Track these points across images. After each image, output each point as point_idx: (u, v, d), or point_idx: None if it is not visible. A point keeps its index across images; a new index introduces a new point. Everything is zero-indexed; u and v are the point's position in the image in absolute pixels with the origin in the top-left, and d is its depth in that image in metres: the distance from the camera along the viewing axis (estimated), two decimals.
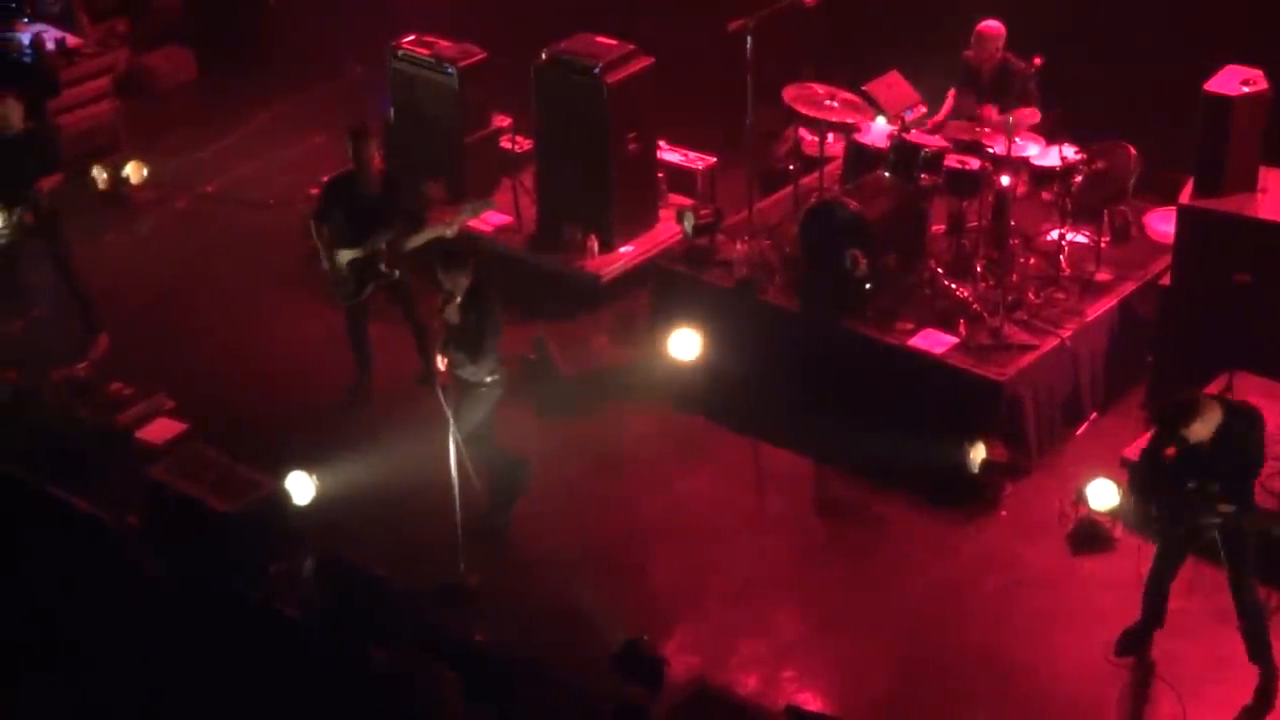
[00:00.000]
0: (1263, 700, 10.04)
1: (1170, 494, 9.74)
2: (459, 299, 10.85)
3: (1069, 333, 12.21)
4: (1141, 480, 10.01)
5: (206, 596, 10.73)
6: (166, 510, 11.21)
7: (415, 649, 10.15)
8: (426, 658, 10.02)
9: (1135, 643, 10.44)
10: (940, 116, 13.33)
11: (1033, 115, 12.97)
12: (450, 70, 14.42)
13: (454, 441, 10.81)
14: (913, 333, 12.23)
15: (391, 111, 14.80)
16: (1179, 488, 9.67)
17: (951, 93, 13.44)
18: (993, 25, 13.23)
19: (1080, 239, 12.77)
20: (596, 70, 13.56)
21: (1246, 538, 9.82)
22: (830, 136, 13.29)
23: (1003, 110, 12.71)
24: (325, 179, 12.71)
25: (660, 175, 14.39)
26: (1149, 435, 10.09)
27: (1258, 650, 10.05)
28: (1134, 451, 11.27)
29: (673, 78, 14.19)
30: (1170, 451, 9.66)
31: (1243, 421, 9.59)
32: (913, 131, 12.84)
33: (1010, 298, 12.29)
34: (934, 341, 12.14)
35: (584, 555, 11.35)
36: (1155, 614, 10.34)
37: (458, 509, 10.94)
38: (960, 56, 13.42)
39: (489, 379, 11.08)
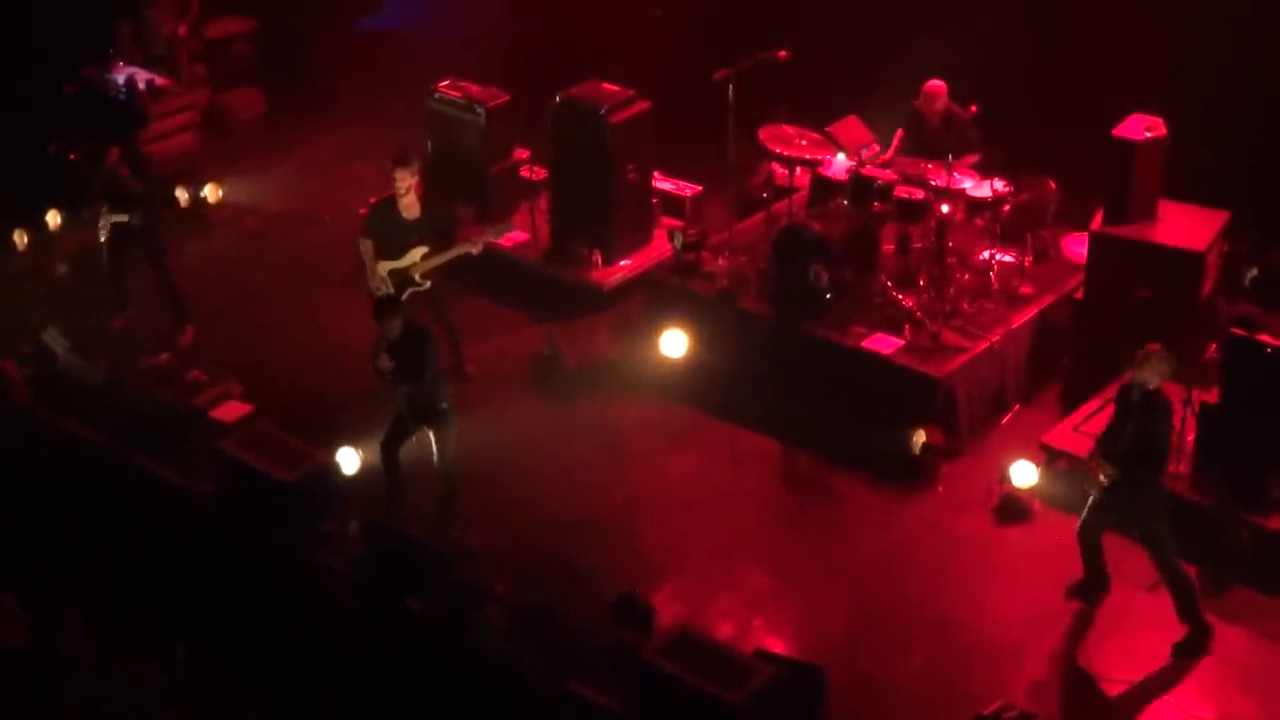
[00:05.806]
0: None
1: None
2: (391, 342, 10.69)
3: (997, 337, 12.20)
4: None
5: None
6: (235, 478, 11.18)
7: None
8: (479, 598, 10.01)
9: (1085, 592, 10.47)
10: (889, 154, 13.26)
11: (973, 158, 12.95)
12: (479, 110, 14.34)
13: (434, 442, 10.94)
14: (865, 336, 12.21)
15: (429, 145, 14.67)
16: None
17: (899, 133, 13.37)
18: (938, 84, 13.20)
19: (1007, 259, 12.76)
20: (602, 112, 13.53)
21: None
22: (798, 170, 13.28)
23: (953, 155, 12.55)
24: (371, 200, 12.64)
25: (655, 201, 14.32)
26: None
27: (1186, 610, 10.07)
28: (1052, 438, 11.43)
29: (667, 119, 14.13)
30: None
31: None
32: (868, 167, 12.84)
33: (948, 307, 12.31)
34: (883, 343, 12.12)
35: (586, 521, 11.33)
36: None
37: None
38: (910, 105, 13.33)
39: (444, 405, 10.98)
